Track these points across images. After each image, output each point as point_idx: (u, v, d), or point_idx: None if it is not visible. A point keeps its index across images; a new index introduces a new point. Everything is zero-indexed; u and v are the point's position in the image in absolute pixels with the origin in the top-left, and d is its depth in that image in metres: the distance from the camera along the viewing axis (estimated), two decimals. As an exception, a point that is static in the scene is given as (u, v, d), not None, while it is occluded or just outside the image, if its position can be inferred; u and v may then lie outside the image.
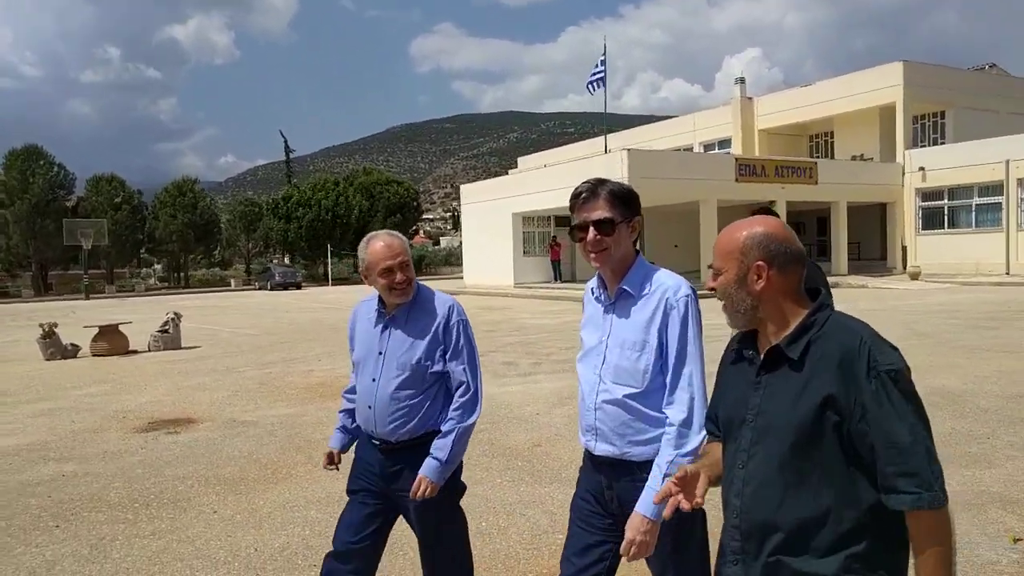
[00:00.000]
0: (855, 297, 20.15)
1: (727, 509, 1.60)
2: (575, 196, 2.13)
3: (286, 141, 60.16)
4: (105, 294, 41.98)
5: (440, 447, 2.51)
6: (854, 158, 31.23)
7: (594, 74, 28.91)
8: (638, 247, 2.18)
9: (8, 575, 3.81)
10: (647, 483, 2.02)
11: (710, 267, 1.63)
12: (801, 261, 1.56)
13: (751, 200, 25.95)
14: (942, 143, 30.01)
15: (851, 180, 27.91)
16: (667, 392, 2.05)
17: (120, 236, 44.80)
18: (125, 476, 5.55)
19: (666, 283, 2.10)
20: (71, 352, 13.03)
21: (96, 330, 13.44)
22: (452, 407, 2.56)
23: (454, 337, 2.57)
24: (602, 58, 28.40)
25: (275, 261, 53.51)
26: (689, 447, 2.00)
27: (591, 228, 2.08)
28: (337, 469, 2.82)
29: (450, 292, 30.51)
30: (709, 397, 1.88)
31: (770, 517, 1.49)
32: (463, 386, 2.57)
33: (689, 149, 36.70)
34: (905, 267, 27.85)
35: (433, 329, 2.55)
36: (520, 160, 51.94)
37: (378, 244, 2.55)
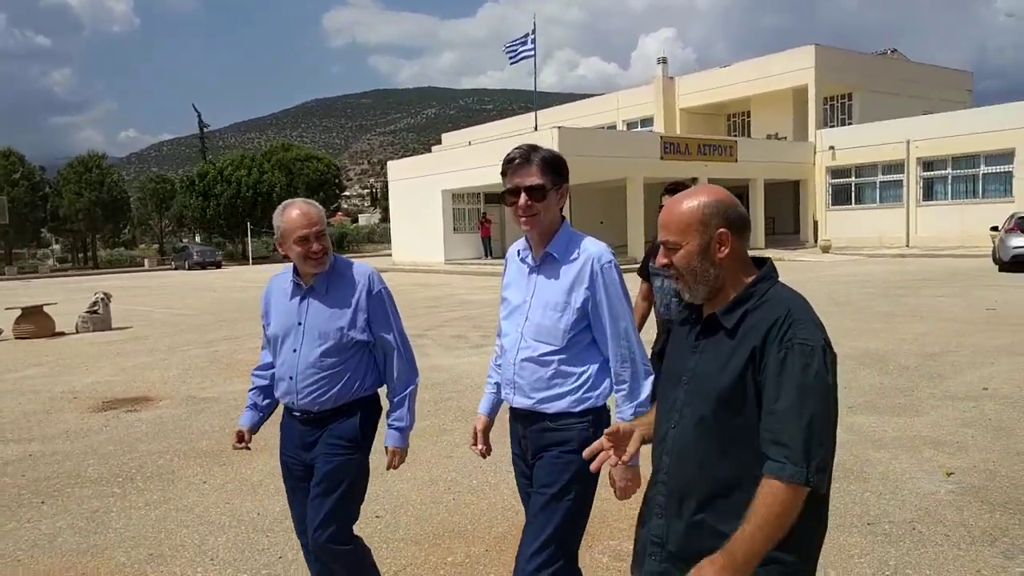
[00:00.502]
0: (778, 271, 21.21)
1: (656, 465, 1.63)
2: (508, 160, 2.18)
3: (199, 115, 57.73)
4: (5, 276, 39.70)
5: (397, 416, 2.58)
6: (769, 137, 32.62)
7: (519, 49, 29.00)
8: (564, 214, 2.28)
9: (10, 550, 3.81)
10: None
11: (661, 243, 1.61)
12: (749, 226, 1.60)
13: (675, 177, 26.80)
14: (849, 123, 31.72)
15: (768, 158, 29.20)
16: (611, 351, 2.16)
17: (19, 214, 42.29)
18: (97, 453, 5.51)
19: (590, 249, 2.20)
20: (-9, 335, 12.45)
21: (19, 312, 12.86)
22: (393, 377, 2.60)
23: (379, 306, 2.58)
24: (532, 36, 28.57)
25: (187, 240, 51.64)
26: (643, 395, 2.15)
27: (523, 193, 2.15)
28: (248, 448, 2.74)
29: (380, 269, 30.89)
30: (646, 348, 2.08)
31: (695, 476, 1.53)
32: (395, 352, 2.59)
33: (612, 127, 37.42)
34: (816, 241, 29.42)
35: (355, 298, 2.55)
36: (444, 136, 51.73)
37: (294, 212, 2.51)
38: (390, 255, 35.28)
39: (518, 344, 2.24)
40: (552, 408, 2.18)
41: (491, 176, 25.68)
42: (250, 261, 44.38)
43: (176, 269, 40.98)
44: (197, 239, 52.49)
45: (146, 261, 46.36)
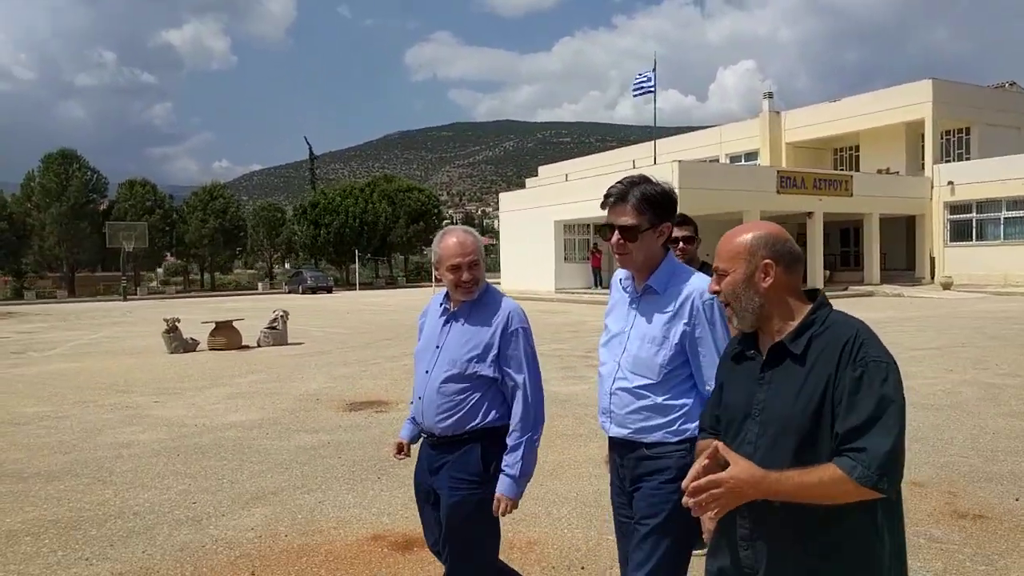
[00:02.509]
0: (901, 306, 21.10)
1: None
2: (606, 196, 2.22)
3: (311, 147, 61.03)
4: (138, 296, 42.73)
5: (510, 463, 2.49)
6: (880, 171, 32.26)
7: (643, 85, 29.97)
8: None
9: (409, 515, 4.65)
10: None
11: (714, 269, 1.70)
12: (802, 261, 1.65)
13: (792, 211, 26.94)
14: (967, 158, 31.09)
15: (883, 193, 28.94)
16: (709, 389, 2.11)
17: (152, 239, 45.56)
18: (382, 441, 6.36)
19: (693, 284, 2.20)
20: (192, 346, 13.84)
21: (213, 325, 14.24)
22: (514, 419, 2.52)
23: (512, 344, 2.54)
24: (650, 72, 29.47)
25: (302, 266, 54.26)
26: None
27: (616, 232, 2.20)
28: (408, 456, 2.83)
29: None
30: None
31: (778, 508, 1.53)
32: (522, 396, 2.52)
33: (716, 161, 37.72)
34: (933, 278, 28.86)
35: (490, 331, 2.54)
36: (541, 169, 52.86)
37: (451, 240, 2.55)
38: (498, 282, 36.40)
39: (615, 374, 2.25)
40: (649, 438, 2.18)
41: (595, 208, 26.36)
42: (357, 287, 46.39)
43: (290, 293, 43.18)
44: (302, 264, 55.13)
45: (260, 285, 49.00)
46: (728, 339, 2.12)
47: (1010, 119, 31.69)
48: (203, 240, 46.70)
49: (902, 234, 32.04)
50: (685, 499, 1.56)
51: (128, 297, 39.41)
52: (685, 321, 2.15)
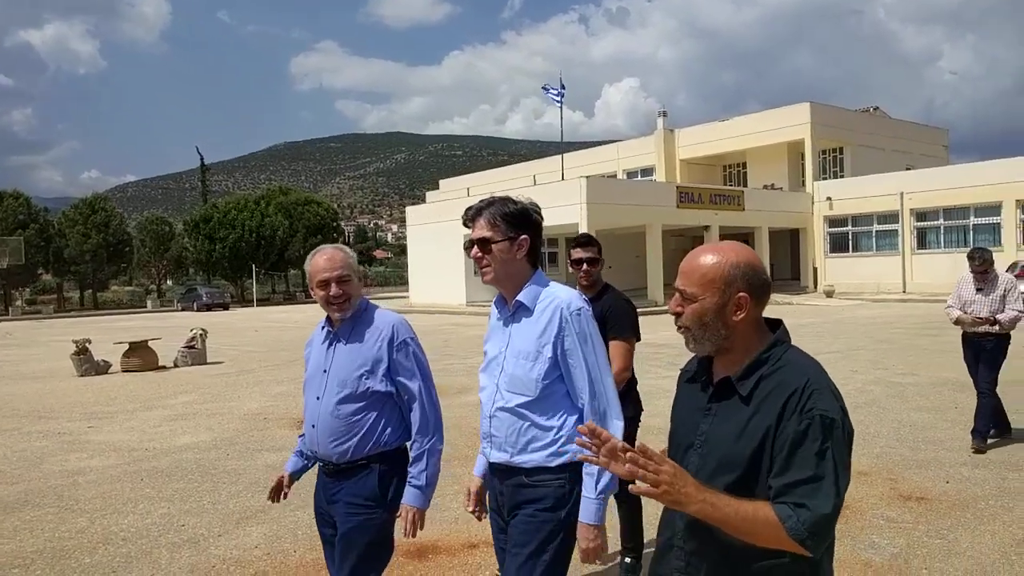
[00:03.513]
0: (793, 313, 22.66)
1: (669, 527, 1.61)
2: (465, 212, 2.26)
3: (202, 158, 58.36)
4: (10, 316, 39.63)
5: (414, 473, 2.46)
6: (765, 187, 34.50)
7: (552, 95, 31.09)
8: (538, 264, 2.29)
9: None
10: (583, 493, 2.10)
11: (677, 289, 1.59)
12: (769, 292, 1.56)
13: (690, 224, 28.38)
14: (841, 176, 33.78)
15: (771, 208, 30.98)
16: (583, 398, 2.13)
17: (25, 255, 42.37)
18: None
19: (560, 296, 2.18)
20: (103, 368, 13.16)
21: (126, 346, 13.59)
22: (414, 430, 2.49)
23: (401, 354, 2.50)
24: (557, 88, 30.40)
25: (186, 281, 51.88)
26: None
27: (474, 246, 2.21)
28: (284, 496, 2.72)
29: (398, 311, 31.42)
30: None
31: (712, 541, 1.50)
32: (419, 405, 2.49)
33: (614, 176, 39.16)
34: (816, 287, 31.12)
35: (375, 346, 2.49)
36: (442, 183, 53.10)
37: (320, 256, 2.54)
38: (404, 297, 36.22)
39: (494, 396, 2.22)
40: (528, 462, 2.14)
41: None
42: (255, 303, 44.85)
43: (183, 310, 41.26)
44: (196, 281, 52.75)
45: (148, 302, 46.50)
46: (601, 349, 2.17)
47: (877, 140, 34.70)
48: (84, 256, 43.84)
49: (787, 246, 34.34)
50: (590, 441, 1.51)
51: (1, 318, 36.49)
52: (555, 334, 2.13)
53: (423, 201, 45.24)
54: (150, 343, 13.84)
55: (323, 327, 2.62)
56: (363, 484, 2.46)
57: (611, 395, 2.16)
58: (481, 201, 2.25)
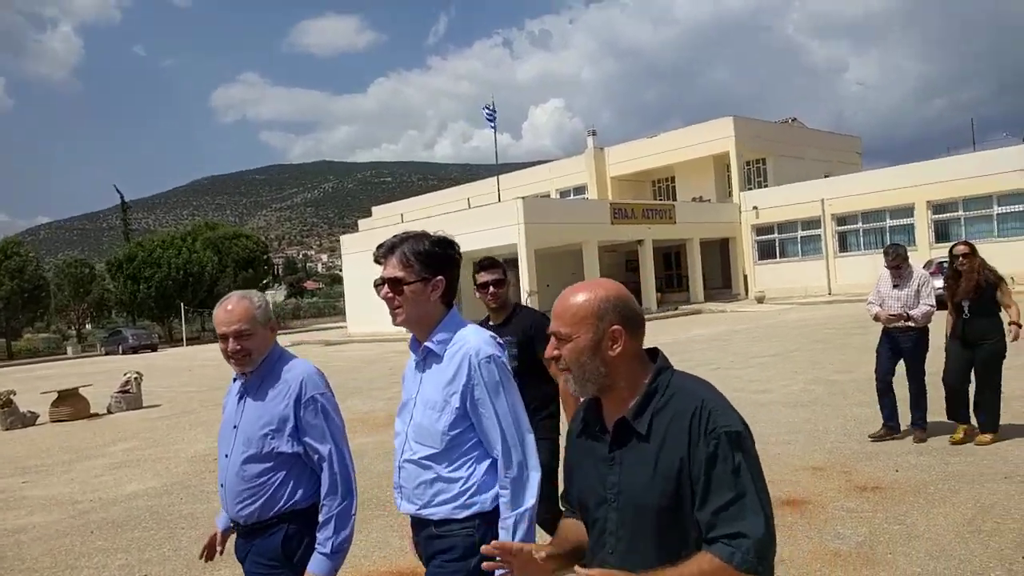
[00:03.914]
0: (728, 320, 23.30)
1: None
2: (376, 249, 2.12)
3: (122, 196, 56.38)
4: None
5: (321, 539, 2.27)
6: (694, 200, 35.53)
7: (489, 117, 31.51)
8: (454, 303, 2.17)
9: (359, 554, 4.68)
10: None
11: (551, 333, 1.54)
12: (643, 323, 1.53)
13: (624, 240, 28.93)
14: (765, 185, 35.07)
15: (701, 219, 31.92)
16: (496, 450, 2.02)
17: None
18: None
19: (470, 342, 2.05)
20: (30, 419, 12.52)
21: (55, 395, 12.97)
22: (323, 492, 2.31)
23: (309, 412, 2.32)
24: (489, 110, 30.75)
25: (119, 324, 49.87)
26: (529, 500, 2.00)
27: (384, 285, 2.08)
28: (221, 553, 2.57)
29: (334, 342, 30.04)
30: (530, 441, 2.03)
31: None
32: (328, 467, 2.30)
33: (547, 195, 39.66)
34: (747, 294, 32.11)
35: (282, 403, 2.33)
36: (375, 210, 52.75)
37: (221, 308, 2.39)
38: (343, 326, 35.64)
39: (403, 446, 2.12)
40: (435, 515, 2.04)
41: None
42: (184, 342, 43.40)
43: (107, 354, 39.60)
44: (120, 323, 50.74)
45: (68, 348, 44.44)
46: (515, 397, 2.05)
47: (797, 150, 36.21)
48: (-1, 303, 41.76)
49: (717, 256, 35.35)
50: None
51: (-92, 374, 34.25)
52: (463, 383, 2.01)
53: (354, 229, 44.79)
54: (81, 390, 13.24)
55: (235, 379, 2.47)
56: (267, 543, 2.32)
57: (527, 445, 2.04)
58: (394, 237, 2.11)
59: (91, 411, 13.08)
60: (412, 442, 2.08)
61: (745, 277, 33.13)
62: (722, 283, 35.27)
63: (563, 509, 1.74)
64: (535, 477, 2.02)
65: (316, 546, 2.28)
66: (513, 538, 1.94)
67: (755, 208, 32.62)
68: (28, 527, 6.07)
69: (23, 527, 6.08)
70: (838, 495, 5.02)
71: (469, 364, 2.01)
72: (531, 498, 2.00)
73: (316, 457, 2.32)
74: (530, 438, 2.06)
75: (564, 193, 40.19)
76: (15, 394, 12.50)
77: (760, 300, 29.08)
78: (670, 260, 36.78)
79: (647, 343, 1.55)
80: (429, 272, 2.06)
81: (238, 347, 2.33)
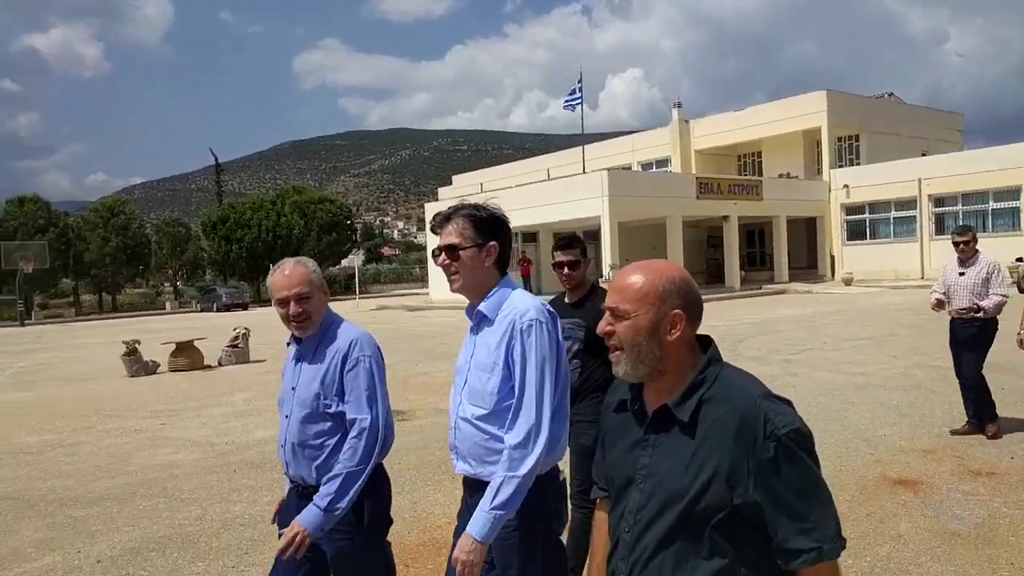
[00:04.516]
0: (815, 301, 22.86)
1: (613, 573, 1.52)
2: (432, 218, 2.20)
3: (216, 159, 58.83)
4: (34, 320, 40.12)
5: (322, 492, 2.29)
6: (780, 176, 34.63)
7: (571, 96, 31.21)
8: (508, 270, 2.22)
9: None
10: (479, 504, 2.01)
11: (608, 308, 1.50)
12: (702, 312, 1.50)
13: (708, 215, 28.58)
14: (857, 163, 33.87)
15: (788, 196, 31.13)
16: (511, 413, 2.06)
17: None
18: (431, 446, 6.69)
19: (517, 307, 2.11)
20: (152, 368, 13.51)
21: (173, 346, 13.94)
22: (344, 449, 2.33)
23: (351, 374, 2.38)
24: (579, 83, 30.65)
25: (202, 282, 52.34)
26: (523, 469, 1.99)
27: (442, 253, 2.15)
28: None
29: (415, 307, 30.75)
30: (557, 417, 2.04)
31: None
32: (354, 425, 2.34)
33: (628, 168, 39.33)
34: (834, 275, 31.27)
35: (331, 364, 2.40)
36: (455, 179, 53.36)
37: (278, 273, 2.45)
38: (424, 294, 36.51)
39: (457, 407, 2.19)
40: (490, 476, 2.05)
41: (530, 217, 27.26)
42: (272, 303, 45.14)
43: (203, 311, 41.69)
44: (210, 281, 53.23)
45: (168, 304, 46.99)
46: (548, 365, 2.06)
47: (892, 126, 34.74)
48: (104, 259, 44.34)
49: (803, 234, 34.48)
50: None
51: (25, 323, 36.99)
52: (507, 344, 2.08)
53: (433, 198, 45.41)
54: (195, 343, 14.17)
55: (289, 343, 2.56)
56: None
57: (543, 414, 2.04)
58: (449, 207, 2.21)
59: (204, 363, 14.02)
60: (466, 403, 2.15)
61: (832, 258, 32.25)
62: (807, 263, 34.42)
63: (596, 483, 1.70)
64: (538, 449, 2.01)
65: (314, 496, 2.31)
66: (491, 499, 1.98)
67: (846, 186, 31.60)
68: (178, 463, 6.71)
69: (174, 463, 6.74)
70: (951, 478, 5.09)
71: (513, 326, 2.08)
72: (526, 467, 1.99)
73: (349, 417, 2.37)
74: (548, 409, 2.05)
75: (646, 166, 39.76)
76: (139, 343, 13.48)
77: (848, 282, 28.31)
78: (753, 238, 36.09)
79: (705, 327, 1.50)
80: (483, 238, 2.14)
81: (299, 310, 2.41)
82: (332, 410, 2.38)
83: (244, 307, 41.73)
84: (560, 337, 2.15)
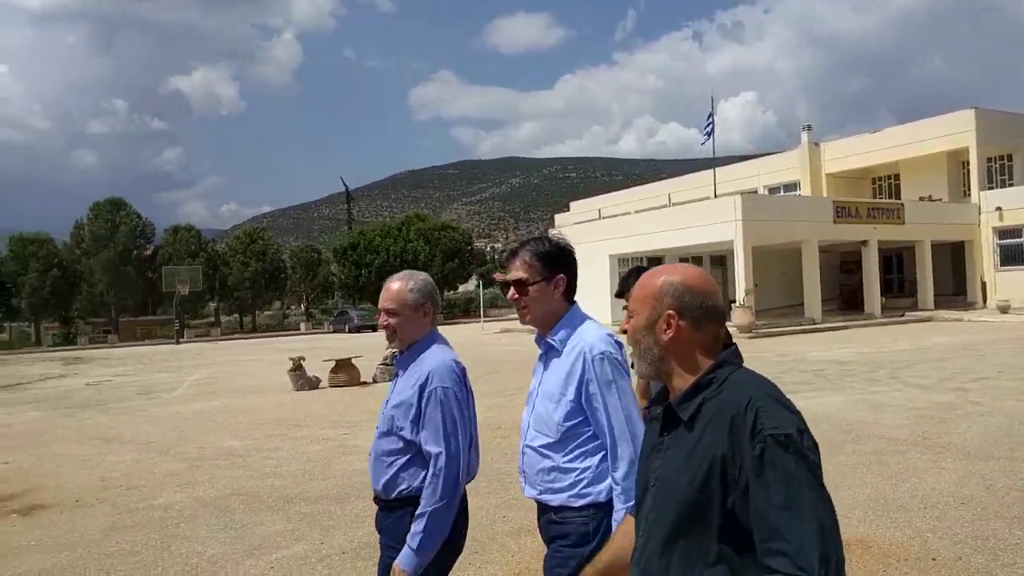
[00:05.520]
0: (969, 329, 21.48)
1: None
2: (500, 255, 2.90)
3: (347, 188, 62.19)
4: (186, 339, 43.42)
5: (412, 532, 2.31)
6: (921, 199, 32.86)
7: (707, 123, 31.27)
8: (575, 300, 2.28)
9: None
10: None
11: (624, 308, 1.58)
12: (717, 318, 1.48)
13: (846, 240, 27.50)
14: (1010, 184, 31.69)
15: (932, 220, 29.51)
16: (609, 451, 2.09)
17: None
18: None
19: (586, 339, 2.14)
20: (315, 383, 14.39)
21: (333, 363, 14.80)
22: (425, 485, 2.34)
23: (428, 403, 2.36)
24: (711, 113, 30.59)
25: (346, 305, 55.03)
26: (632, 501, 1.99)
27: (511, 287, 2.21)
28: None
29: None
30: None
31: None
32: (433, 463, 2.33)
33: (754, 192, 38.41)
34: (985, 302, 29.25)
35: (411, 388, 2.41)
36: (572, 205, 53.75)
37: (386, 285, 2.54)
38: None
39: (526, 433, 2.24)
40: (553, 501, 2.15)
41: (654, 242, 27.15)
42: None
43: (335, 332, 43.80)
44: (340, 303, 55.89)
45: (302, 325, 49.68)
46: (627, 395, 2.10)
47: (1050, 145, 32.32)
48: (245, 283, 47.57)
49: (947, 260, 32.48)
50: None
51: (180, 341, 40.09)
52: (578, 377, 2.11)
53: (540, 224, 45.73)
54: (353, 360, 14.99)
55: (394, 359, 2.66)
56: (396, 526, 2.40)
57: (637, 441, 2.04)
58: (516, 242, 2.29)
59: (361, 379, 14.80)
60: (533, 430, 2.20)
61: (983, 284, 30.19)
62: (953, 289, 32.33)
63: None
64: (623, 469, 2.05)
65: (407, 537, 2.31)
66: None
67: (999, 209, 29.58)
68: (376, 470, 7.16)
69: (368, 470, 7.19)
70: None
71: (584, 360, 2.10)
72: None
73: (426, 451, 2.36)
74: (639, 433, 2.06)
75: (773, 190, 38.70)
76: (304, 360, 14.41)
77: (1004, 310, 26.39)
78: (891, 263, 34.32)
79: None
80: (550, 271, 2.20)
81: (386, 323, 2.50)
82: (403, 433, 2.39)
83: (374, 329, 43.48)
84: (628, 365, 2.15)
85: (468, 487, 2.47)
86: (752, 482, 1.28)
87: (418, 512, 2.31)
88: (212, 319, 57.24)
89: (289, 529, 5.41)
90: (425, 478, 2.34)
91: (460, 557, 2.49)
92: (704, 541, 1.34)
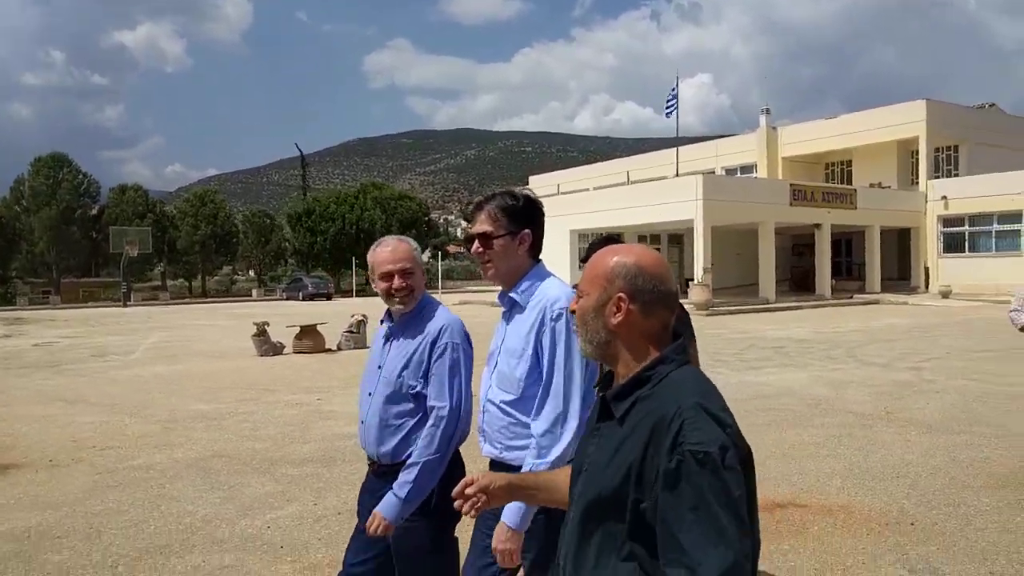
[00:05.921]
0: (913, 313, 22.34)
1: (558, 553, 1.50)
2: (466, 206, 2.23)
3: (302, 153, 60.88)
4: (133, 303, 42.23)
5: (400, 481, 2.29)
6: (872, 186, 33.83)
7: (669, 102, 31.38)
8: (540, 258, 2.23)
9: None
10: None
11: (574, 287, 1.53)
12: (669, 304, 1.42)
13: (801, 222, 28.20)
14: (955, 174, 32.85)
15: (883, 206, 30.46)
16: (537, 401, 2.07)
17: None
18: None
19: (548, 294, 2.12)
20: (279, 349, 14.22)
21: (298, 329, 14.64)
22: (422, 435, 2.32)
23: (437, 357, 2.36)
24: (673, 89, 30.72)
25: (286, 272, 54.17)
26: (551, 456, 2.00)
27: (475, 241, 2.16)
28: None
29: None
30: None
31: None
32: (433, 412, 2.33)
33: (712, 172, 38.98)
34: (928, 287, 30.43)
35: (419, 346, 2.40)
36: (531, 179, 53.71)
37: (384, 247, 2.49)
38: (491, 291, 36.88)
39: (487, 391, 2.21)
40: (516, 460, 2.09)
41: (614, 218, 27.42)
42: (354, 293, 46.55)
43: (288, 299, 43.10)
44: (293, 270, 55.06)
45: (253, 291, 48.77)
46: (579, 357, 2.05)
47: (995, 138, 33.56)
48: (195, 246, 46.41)
49: (893, 245, 33.61)
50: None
51: (127, 304, 38.99)
52: (536, 331, 2.09)
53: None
54: (318, 327, 14.84)
55: (383, 321, 2.57)
56: None
57: (571, 401, 2.05)
58: (482, 196, 2.22)
59: (326, 346, 14.67)
60: (496, 387, 2.17)
61: (927, 270, 31.37)
62: (898, 274, 33.54)
63: None
64: (566, 437, 2.02)
65: (393, 485, 2.29)
66: None
67: (944, 198, 30.68)
68: (353, 435, 7.16)
69: (351, 434, 7.19)
70: None
71: (543, 313, 2.08)
72: (554, 455, 2.01)
73: (429, 405, 2.36)
74: (577, 397, 2.05)
75: (730, 171, 39.32)
76: (268, 325, 14.21)
77: (945, 295, 27.51)
78: (840, 247, 35.34)
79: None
80: (516, 226, 2.15)
81: (403, 284, 2.41)
82: (415, 391, 2.38)
83: (328, 297, 42.99)
84: None
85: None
86: (663, 494, 1.24)
87: (410, 462, 2.29)
88: (159, 283, 55.71)
89: (279, 490, 5.39)
90: None
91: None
92: (618, 536, 1.33)
